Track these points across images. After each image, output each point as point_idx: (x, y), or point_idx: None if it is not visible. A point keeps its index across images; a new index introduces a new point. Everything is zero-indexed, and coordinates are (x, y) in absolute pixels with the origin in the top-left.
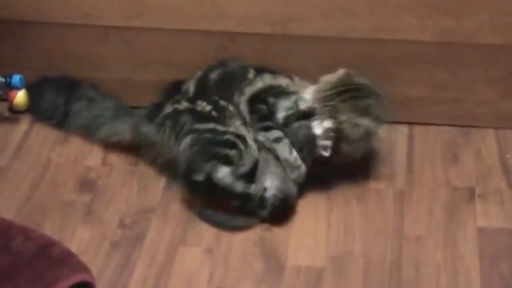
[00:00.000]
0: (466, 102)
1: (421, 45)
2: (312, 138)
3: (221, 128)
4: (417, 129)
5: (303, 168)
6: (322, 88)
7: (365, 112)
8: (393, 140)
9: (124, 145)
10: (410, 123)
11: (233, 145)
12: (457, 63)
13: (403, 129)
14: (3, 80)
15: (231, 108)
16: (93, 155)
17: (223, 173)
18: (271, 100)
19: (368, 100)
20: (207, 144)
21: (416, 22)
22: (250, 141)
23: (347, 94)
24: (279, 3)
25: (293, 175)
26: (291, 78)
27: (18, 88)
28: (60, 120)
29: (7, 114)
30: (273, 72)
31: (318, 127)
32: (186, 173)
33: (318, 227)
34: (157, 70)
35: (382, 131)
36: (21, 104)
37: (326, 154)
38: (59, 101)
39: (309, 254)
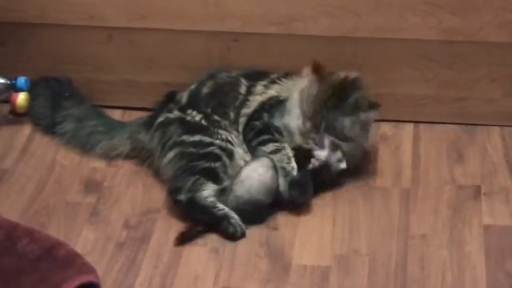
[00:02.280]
0: (471, 100)
1: (425, 44)
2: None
3: (207, 139)
4: (422, 127)
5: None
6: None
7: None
8: (398, 139)
9: (123, 157)
10: (415, 121)
11: (217, 158)
12: (461, 61)
13: (408, 128)
14: (8, 82)
15: (223, 123)
16: (98, 157)
17: (207, 193)
18: (265, 116)
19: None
20: (190, 160)
21: (420, 21)
22: (237, 155)
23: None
24: (283, 3)
25: (287, 183)
26: (279, 82)
27: (23, 90)
28: (46, 128)
29: (11, 116)
30: (264, 75)
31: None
32: (170, 193)
33: (323, 226)
34: (161, 71)
35: (387, 129)
36: (23, 106)
37: (344, 166)
38: (46, 109)
39: (314, 253)
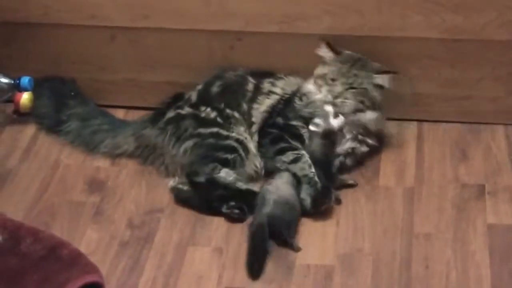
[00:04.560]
0: (474, 99)
1: (428, 43)
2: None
3: (224, 132)
4: (426, 126)
5: (319, 185)
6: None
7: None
8: (402, 137)
9: (127, 156)
10: (418, 120)
11: (233, 150)
12: (465, 60)
13: (412, 127)
14: (12, 82)
15: (236, 115)
16: (102, 156)
17: (225, 172)
18: (280, 120)
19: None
20: (209, 149)
21: (423, 20)
22: (252, 148)
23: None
24: (286, 2)
25: (311, 190)
26: (284, 78)
27: (27, 90)
28: (50, 127)
29: (15, 116)
30: (270, 74)
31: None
32: (188, 176)
33: (327, 225)
34: (164, 71)
35: (391, 128)
36: (27, 106)
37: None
38: (50, 108)
39: (318, 253)
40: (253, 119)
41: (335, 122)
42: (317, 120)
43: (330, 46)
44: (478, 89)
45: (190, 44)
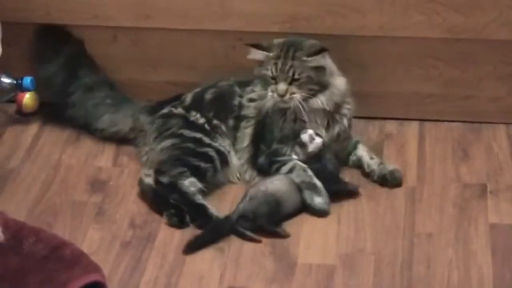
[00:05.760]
0: (476, 98)
1: (430, 42)
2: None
3: (207, 140)
4: (428, 126)
5: (320, 185)
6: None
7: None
8: (404, 137)
9: (121, 136)
10: (420, 120)
11: (209, 160)
12: (466, 59)
13: (413, 126)
14: (14, 82)
15: (223, 128)
16: (104, 156)
17: (190, 182)
18: (263, 148)
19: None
20: (184, 153)
21: (424, 19)
22: (234, 162)
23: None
24: (287, 2)
25: (316, 192)
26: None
27: (29, 90)
28: (55, 98)
29: (17, 116)
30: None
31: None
32: (155, 173)
33: (328, 225)
34: (166, 71)
35: (393, 128)
36: (30, 106)
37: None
38: (57, 81)
39: (319, 252)
40: (239, 135)
41: (312, 147)
42: (303, 136)
43: (257, 46)
44: (479, 88)
45: (192, 44)
